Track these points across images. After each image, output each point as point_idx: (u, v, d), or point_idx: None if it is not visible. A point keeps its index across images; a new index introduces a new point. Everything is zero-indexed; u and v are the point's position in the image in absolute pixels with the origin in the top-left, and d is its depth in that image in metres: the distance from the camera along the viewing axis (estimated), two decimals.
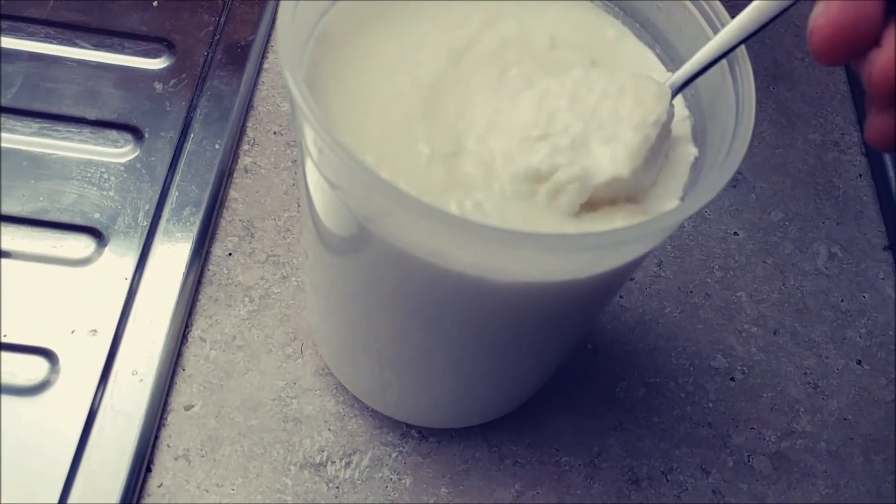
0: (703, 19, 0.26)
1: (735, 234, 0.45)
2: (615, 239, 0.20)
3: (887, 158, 0.48)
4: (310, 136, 0.22)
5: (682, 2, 0.27)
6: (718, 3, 0.26)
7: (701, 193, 0.21)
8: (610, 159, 0.23)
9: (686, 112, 0.27)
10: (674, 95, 0.25)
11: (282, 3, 0.23)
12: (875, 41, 0.20)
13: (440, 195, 0.23)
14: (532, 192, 0.24)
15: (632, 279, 0.42)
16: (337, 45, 0.26)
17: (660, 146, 0.24)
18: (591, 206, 0.24)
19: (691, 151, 0.26)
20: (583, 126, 0.24)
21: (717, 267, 0.44)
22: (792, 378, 0.41)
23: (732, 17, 0.25)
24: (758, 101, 0.52)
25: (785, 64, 0.53)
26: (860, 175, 0.49)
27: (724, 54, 0.24)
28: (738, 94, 0.24)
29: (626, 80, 0.25)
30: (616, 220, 0.24)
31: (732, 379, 0.40)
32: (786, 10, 0.24)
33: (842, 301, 0.44)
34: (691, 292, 0.42)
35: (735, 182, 0.47)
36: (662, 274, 0.43)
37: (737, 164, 0.22)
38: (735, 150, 0.22)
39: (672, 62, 0.28)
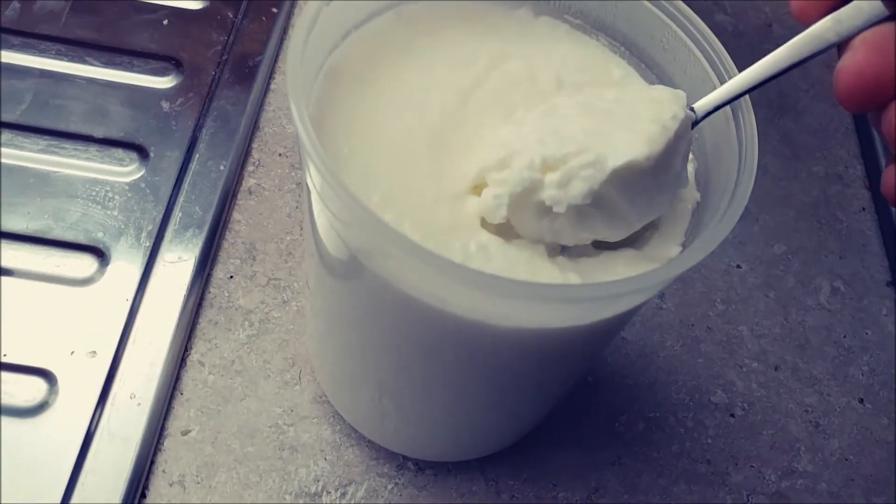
0: (706, 62, 0.26)
1: (738, 266, 0.45)
2: (615, 290, 0.20)
3: None
4: (314, 174, 0.23)
5: (686, 44, 0.27)
6: (721, 47, 0.26)
7: (702, 245, 0.21)
8: (627, 144, 0.22)
9: (690, 156, 0.27)
10: (698, 122, 0.25)
11: (292, 38, 0.23)
12: None
13: (445, 237, 0.23)
14: (538, 184, 0.23)
15: None
16: (346, 80, 0.26)
17: (679, 146, 0.23)
18: (592, 249, 0.24)
19: (694, 196, 0.26)
20: (597, 123, 0.23)
21: (719, 300, 0.43)
22: (793, 415, 0.40)
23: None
24: (762, 133, 0.52)
25: (790, 95, 0.53)
26: (863, 209, 0.49)
27: (757, 86, 0.24)
28: (741, 142, 0.24)
29: (639, 90, 0.25)
30: (617, 267, 0.24)
31: (732, 415, 0.40)
32: (826, 49, 0.23)
33: (844, 337, 0.43)
34: (693, 325, 0.42)
35: None
36: (664, 306, 0.42)
37: (738, 215, 0.22)
38: (737, 200, 0.22)
39: None
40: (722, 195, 0.23)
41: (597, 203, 0.22)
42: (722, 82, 0.25)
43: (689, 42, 0.27)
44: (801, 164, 0.50)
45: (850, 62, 0.21)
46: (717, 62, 0.26)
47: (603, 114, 0.23)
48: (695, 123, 0.24)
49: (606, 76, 0.28)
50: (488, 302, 0.21)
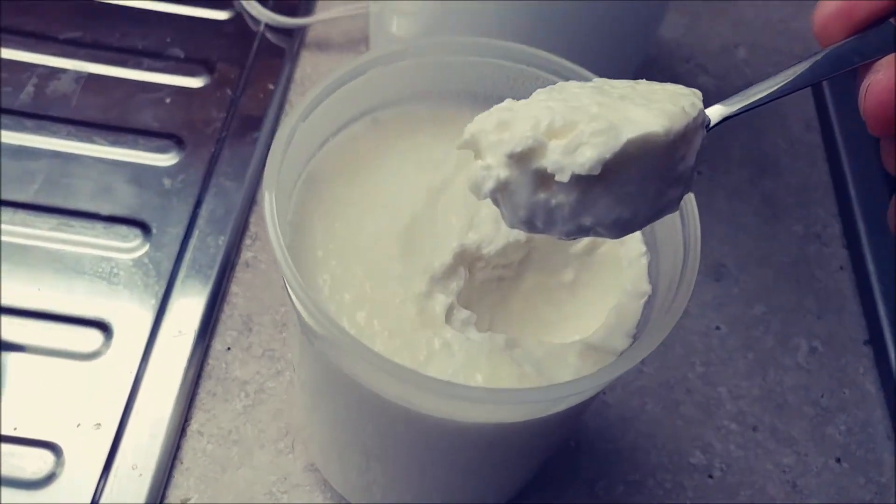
0: None
1: (717, 328, 0.46)
2: (564, 392, 0.22)
3: (867, 251, 0.49)
4: (290, 290, 0.24)
5: None
6: None
7: (643, 345, 0.23)
8: (645, 118, 0.20)
9: (643, 248, 0.28)
10: (713, 127, 0.23)
11: (268, 159, 0.25)
12: None
13: (411, 334, 0.25)
14: (541, 146, 0.20)
15: None
16: (324, 185, 0.28)
17: (695, 138, 0.22)
18: (545, 341, 0.25)
19: (645, 289, 0.27)
20: (611, 101, 0.21)
21: (698, 362, 0.45)
22: (770, 476, 0.42)
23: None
24: (743, 192, 0.54)
25: (771, 155, 0.55)
26: (841, 268, 0.50)
27: (769, 100, 0.23)
28: (686, 242, 0.26)
29: (652, 83, 0.23)
30: (569, 358, 0.25)
31: (711, 476, 0.41)
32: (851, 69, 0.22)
33: (822, 397, 0.45)
34: (672, 388, 0.44)
35: (719, 276, 0.49)
36: (645, 370, 0.44)
37: (678, 317, 0.23)
38: (678, 301, 0.24)
39: None
40: (669, 290, 0.25)
41: (604, 180, 0.20)
42: (683, 218, 0.26)
43: None
44: (780, 224, 0.52)
45: (881, 77, 0.20)
46: None
47: (617, 96, 0.22)
48: (708, 129, 0.23)
49: None
50: (448, 402, 0.23)
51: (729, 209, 0.52)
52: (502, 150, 0.21)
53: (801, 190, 0.53)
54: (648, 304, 0.27)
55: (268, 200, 0.24)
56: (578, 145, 0.20)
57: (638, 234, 0.29)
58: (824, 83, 0.58)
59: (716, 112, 0.23)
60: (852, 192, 0.52)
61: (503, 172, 0.21)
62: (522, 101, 0.22)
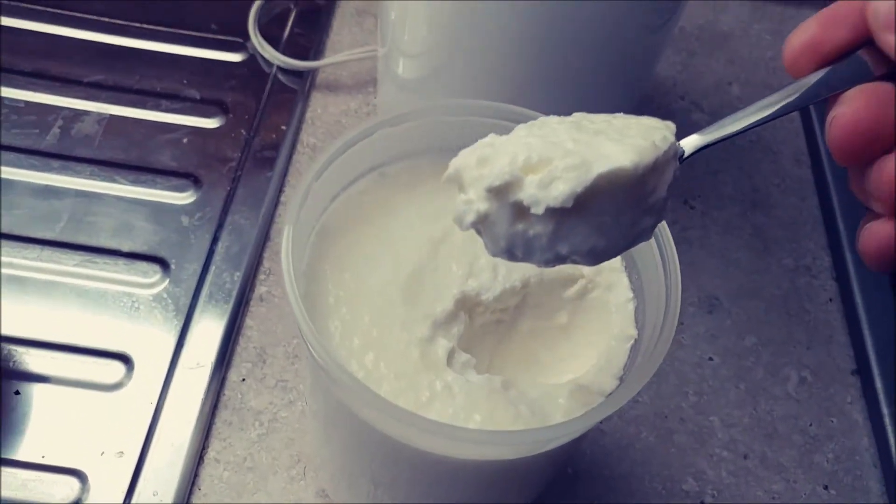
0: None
1: (710, 359, 0.48)
2: (553, 434, 0.24)
3: (856, 283, 0.51)
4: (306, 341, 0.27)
5: None
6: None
7: (627, 389, 0.25)
8: (616, 153, 0.22)
9: (630, 294, 0.31)
10: (687, 157, 0.24)
11: (288, 211, 0.28)
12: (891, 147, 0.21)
13: (414, 376, 0.28)
14: (518, 181, 0.22)
15: None
16: (335, 237, 0.31)
17: (666, 170, 0.23)
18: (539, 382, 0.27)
19: (632, 333, 0.30)
20: (587, 137, 0.23)
21: (691, 392, 0.47)
22: (761, 502, 0.43)
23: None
24: (736, 227, 0.56)
25: (762, 189, 0.57)
26: (830, 300, 0.52)
27: (741, 131, 0.24)
28: (668, 290, 0.28)
29: (629, 117, 0.25)
30: (560, 398, 0.27)
31: (703, 502, 0.43)
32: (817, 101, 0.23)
33: (810, 425, 0.47)
34: (666, 417, 0.46)
35: (711, 308, 0.51)
36: (640, 399, 0.46)
37: (659, 363, 0.25)
38: (659, 348, 0.26)
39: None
40: (651, 338, 0.27)
41: (578, 211, 0.22)
42: (665, 268, 0.28)
43: None
44: (771, 257, 0.54)
45: (846, 110, 0.21)
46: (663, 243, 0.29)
47: (593, 131, 0.23)
48: (682, 159, 0.24)
49: None
50: (447, 442, 0.25)
51: (721, 243, 0.54)
52: (482, 184, 0.22)
53: (792, 224, 0.56)
54: (635, 348, 0.29)
55: (287, 274, 0.26)
56: (552, 180, 0.21)
57: (626, 280, 0.31)
58: (814, 119, 0.60)
59: (691, 143, 0.25)
60: (841, 226, 0.54)
61: (483, 206, 0.23)
62: (504, 137, 0.24)
